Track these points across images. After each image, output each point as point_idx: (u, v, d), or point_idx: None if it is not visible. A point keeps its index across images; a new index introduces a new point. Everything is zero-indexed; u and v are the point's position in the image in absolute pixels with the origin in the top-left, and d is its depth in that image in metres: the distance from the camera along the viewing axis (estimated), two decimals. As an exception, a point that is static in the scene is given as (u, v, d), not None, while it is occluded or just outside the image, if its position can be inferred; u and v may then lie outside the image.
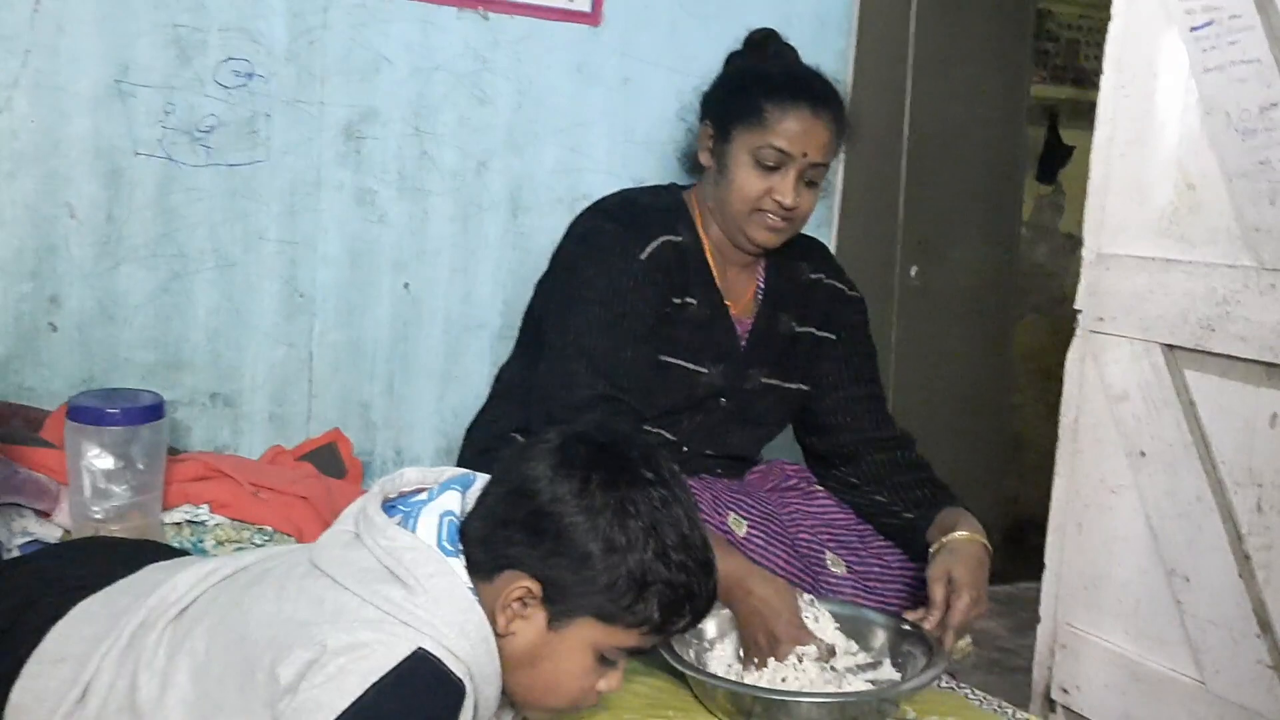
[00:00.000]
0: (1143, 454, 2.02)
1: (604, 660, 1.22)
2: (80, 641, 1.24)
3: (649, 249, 1.77)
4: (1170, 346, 1.98)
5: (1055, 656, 2.20)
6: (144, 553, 1.44)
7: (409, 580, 1.15)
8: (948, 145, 3.11)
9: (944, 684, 1.66)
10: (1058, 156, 4.06)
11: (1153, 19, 2.04)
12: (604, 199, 1.92)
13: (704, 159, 1.87)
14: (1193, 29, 1.95)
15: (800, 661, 1.56)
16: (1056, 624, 2.20)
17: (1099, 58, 2.21)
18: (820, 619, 1.63)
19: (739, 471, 1.95)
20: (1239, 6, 1.86)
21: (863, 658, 1.64)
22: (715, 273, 1.86)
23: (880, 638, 1.66)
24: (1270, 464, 1.82)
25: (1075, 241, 2.29)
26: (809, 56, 2.44)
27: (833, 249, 2.61)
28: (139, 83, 1.95)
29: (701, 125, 1.89)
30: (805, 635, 1.58)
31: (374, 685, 1.08)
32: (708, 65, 2.40)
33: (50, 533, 1.75)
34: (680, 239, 1.81)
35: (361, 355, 2.18)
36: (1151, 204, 2.05)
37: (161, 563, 1.37)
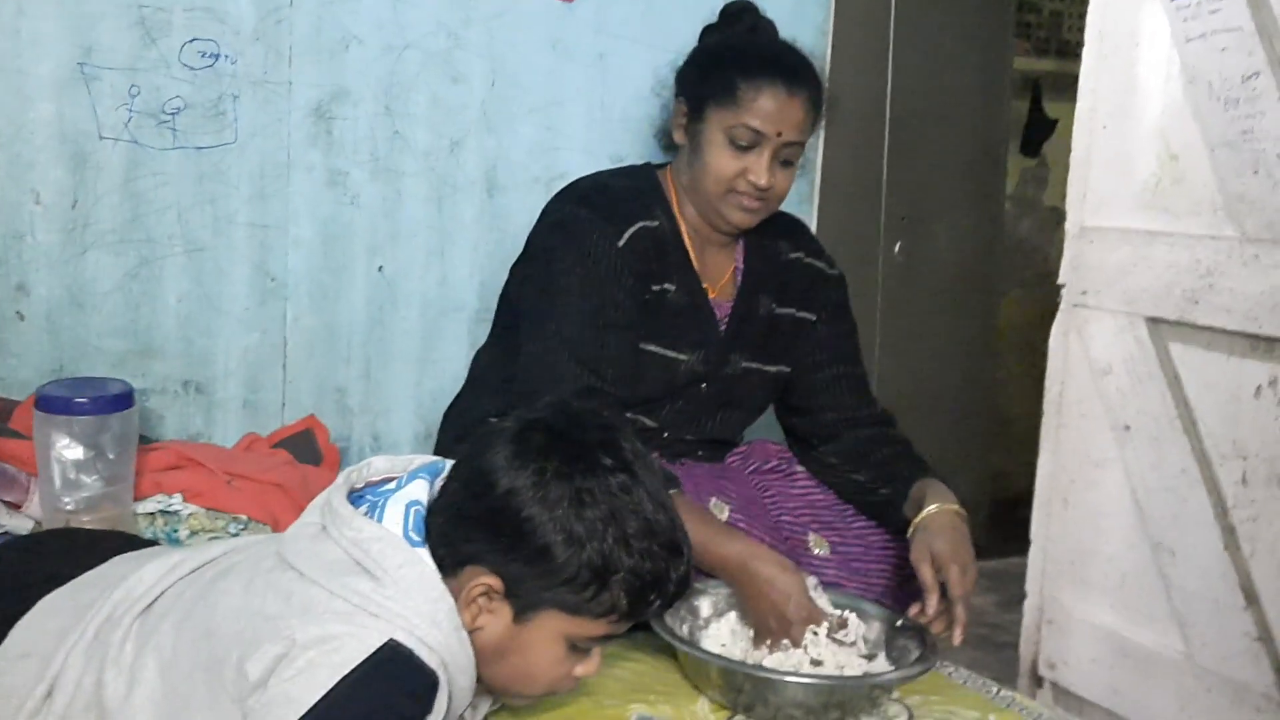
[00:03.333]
0: (1127, 428, 2.01)
1: (577, 648, 1.20)
2: (45, 636, 1.22)
3: (625, 236, 1.74)
4: (1154, 319, 1.96)
5: (1042, 632, 2.19)
6: (112, 544, 1.42)
7: (377, 571, 1.13)
8: (930, 119, 3.08)
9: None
10: (1041, 129, 4.03)
11: (1134, -13, 2.02)
12: (577, 182, 1.88)
13: (678, 137, 1.83)
14: (1174, -3, 1.93)
15: (817, 635, 1.55)
16: (1043, 600, 2.19)
17: (1082, 30, 2.18)
18: (820, 603, 1.61)
19: (720, 454, 1.93)
20: (1221, -27, 1.83)
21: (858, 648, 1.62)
22: (693, 256, 1.83)
23: (876, 630, 1.64)
24: (1255, 436, 1.81)
25: (1060, 215, 2.27)
26: (787, 30, 2.40)
27: (814, 226, 2.59)
28: (103, 65, 1.91)
29: (676, 102, 1.85)
30: (816, 613, 1.57)
31: (345, 678, 1.06)
32: (684, 40, 2.36)
33: (21, 525, 1.73)
34: (656, 224, 1.78)
35: (336, 340, 2.15)
36: (1134, 176, 2.03)
37: (128, 554, 1.35)
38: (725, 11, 1.95)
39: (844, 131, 2.75)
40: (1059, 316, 2.15)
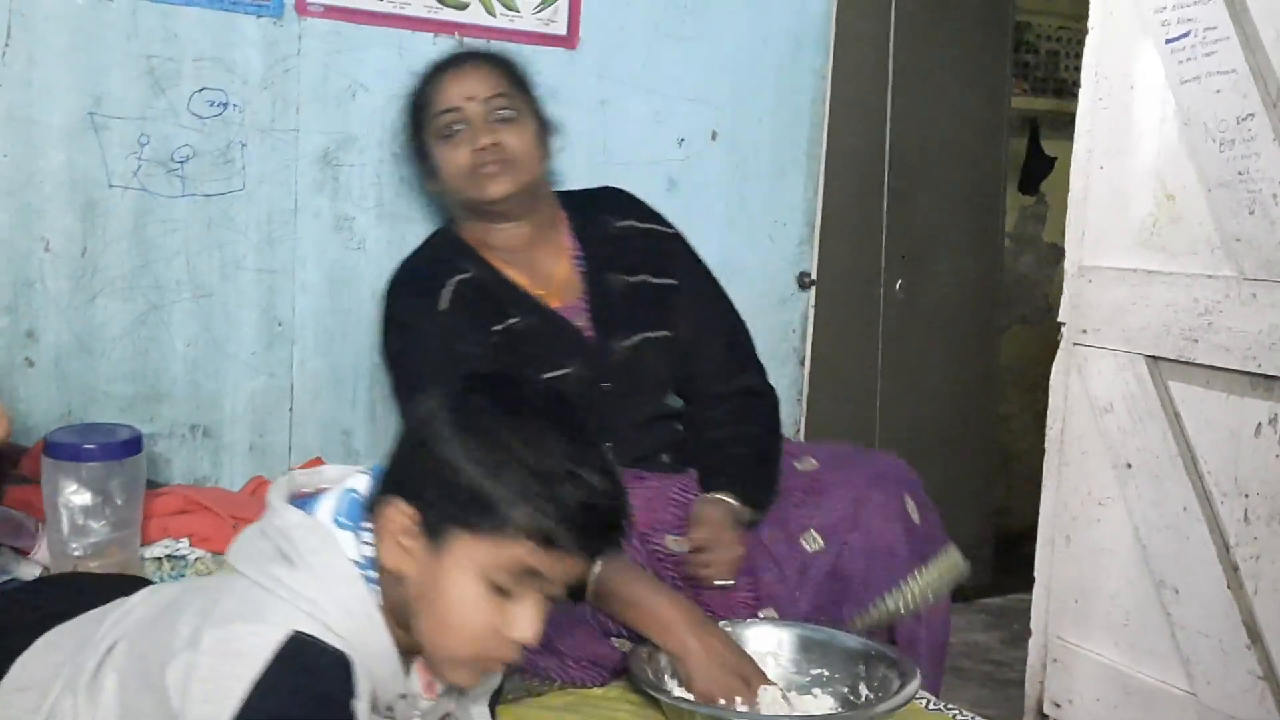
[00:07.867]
0: (1129, 466, 2.02)
1: (500, 591, 1.14)
2: (44, 669, 1.23)
3: (444, 298, 1.79)
4: (1154, 358, 1.98)
5: (1047, 670, 2.19)
6: (119, 587, 1.43)
7: (293, 556, 1.14)
8: (929, 159, 3.11)
9: (932, 705, 1.64)
10: (1040, 167, 4.06)
11: (1130, 31, 2.05)
12: (392, 275, 1.93)
13: (431, 187, 1.98)
14: (1169, 40, 1.96)
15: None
16: (1047, 637, 2.19)
17: (1079, 69, 2.21)
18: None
19: (677, 455, 1.88)
20: (1214, 18, 1.86)
21: (835, 687, 1.61)
22: (521, 280, 1.86)
23: (857, 662, 1.62)
24: (1256, 474, 1.82)
25: (1059, 251, 2.29)
26: (786, 75, 2.44)
27: (815, 265, 2.60)
28: (112, 114, 1.94)
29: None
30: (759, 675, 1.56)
31: (258, 683, 1.05)
32: (684, 86, 2.41)
33: (29, 571, 1.73)
34: (470, 274, 1.83)
35: (342, 383, 2.16)
36: (1132, 215, 2.05)
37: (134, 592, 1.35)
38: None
39: (845, 172, 2.78)
40: (1059, 355, 2.16)
